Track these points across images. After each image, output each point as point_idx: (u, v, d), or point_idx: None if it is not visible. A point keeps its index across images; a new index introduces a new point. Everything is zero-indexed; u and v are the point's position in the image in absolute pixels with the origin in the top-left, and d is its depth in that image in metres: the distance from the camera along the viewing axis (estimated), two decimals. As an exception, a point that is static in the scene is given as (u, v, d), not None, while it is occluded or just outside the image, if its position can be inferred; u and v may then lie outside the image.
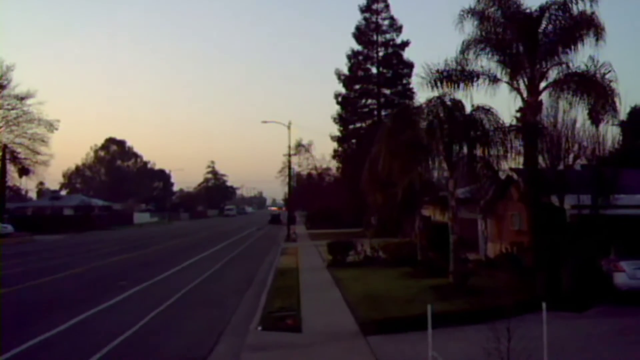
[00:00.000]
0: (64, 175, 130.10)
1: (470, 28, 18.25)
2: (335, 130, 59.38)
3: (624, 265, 15.25)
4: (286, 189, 74.99)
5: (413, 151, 18.38)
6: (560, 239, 15.82)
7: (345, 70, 57.07)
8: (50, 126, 65.35)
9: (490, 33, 18.11)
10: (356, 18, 59.13)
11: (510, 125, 17.76)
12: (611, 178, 15.67)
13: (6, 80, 62.19)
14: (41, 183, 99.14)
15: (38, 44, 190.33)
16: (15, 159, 64.11)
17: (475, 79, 18.26)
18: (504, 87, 18.29)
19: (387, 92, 56.93)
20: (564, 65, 17.34)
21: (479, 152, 18.06)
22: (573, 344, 10.89)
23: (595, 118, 16.57)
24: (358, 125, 57.80)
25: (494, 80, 18.19)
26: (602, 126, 16.77)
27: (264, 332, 12.93)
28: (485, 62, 18.21)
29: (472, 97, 18.26)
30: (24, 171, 65.40)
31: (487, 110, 17.70)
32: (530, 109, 17.64)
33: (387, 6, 57.37)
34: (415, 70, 52.92)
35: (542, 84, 17.60)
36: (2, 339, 12.41)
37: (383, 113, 54.77)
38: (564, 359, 8.81)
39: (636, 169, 23.07)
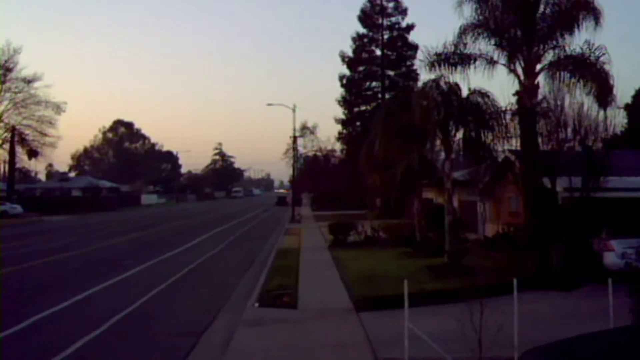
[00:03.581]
0: (72, 157, 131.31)
1: (469, 12, 18.38)
2: (340, 113, 59.48)
3: (614, 244, 15.48)
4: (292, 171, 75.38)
5: (410, 133, 18.65)
6: (552, 220, 16.12)
7: (349, 52, 57.01)
8: (58, 108, 66.05)
9: (488, 17, 18.23)
10: (361, 0, 58.71)
11: (506, 109, 17.94)
12: (602, 160, 15.86)
13: (13, 63, 62.71)
14: (50, 165, 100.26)
15: (45, 27, 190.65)
16: (23, 140, 64.78)
17: (472, 61, 18.41)
18: (501, 70, 18.50)
19: (391, 73, 56.77)
20: (560, 49, 17.50)
21: (475, 135, 18.28)
22: (548, 320, 11.19)
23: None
24: (362, 108, 57.77)
25: (491, 62, 18.32)
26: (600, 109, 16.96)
27: (261, 309, 13.42)
28: (483, 45, 18.36)
29: (470, 79, 18.46)
30: (32, 153, 66.12)
31: (484, 94, 17.87)
32: (526, 91, 17.79)
33: (391, -12, 57.00)
34: (419, 52, 52.72)
35: (538, 66, 17.77)
36: (8, 314, 12.98)
37: (387, 96, 54.72)
38: (533, 332, 9.13)
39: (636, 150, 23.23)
